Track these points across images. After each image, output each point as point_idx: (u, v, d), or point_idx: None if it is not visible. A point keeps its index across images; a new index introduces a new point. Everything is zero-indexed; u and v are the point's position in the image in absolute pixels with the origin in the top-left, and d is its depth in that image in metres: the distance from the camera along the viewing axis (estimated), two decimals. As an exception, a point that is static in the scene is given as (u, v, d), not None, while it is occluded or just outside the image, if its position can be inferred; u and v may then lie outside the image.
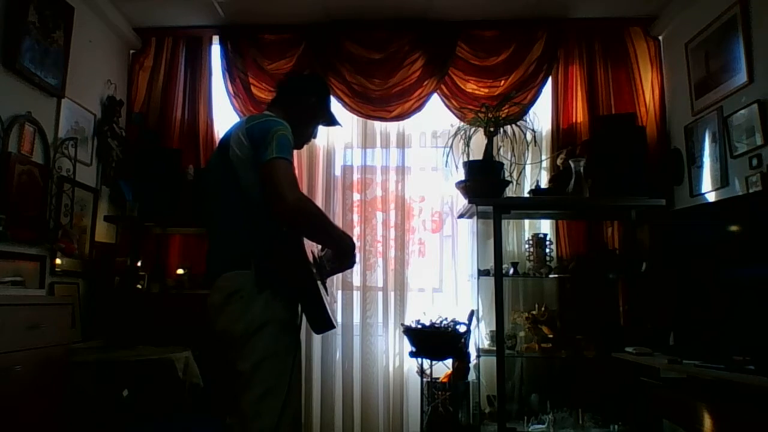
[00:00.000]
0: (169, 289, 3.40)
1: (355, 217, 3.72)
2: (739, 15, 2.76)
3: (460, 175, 3.25)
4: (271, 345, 1.61)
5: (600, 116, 3.56)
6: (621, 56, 3.66)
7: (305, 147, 2.58)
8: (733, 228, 2.32)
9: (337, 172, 3.76)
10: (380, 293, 3.60)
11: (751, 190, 2.63)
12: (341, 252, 1.76)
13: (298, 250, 1.67)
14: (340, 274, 3.21)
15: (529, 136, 3.31)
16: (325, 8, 3.55)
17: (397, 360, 3.51)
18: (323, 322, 1.70)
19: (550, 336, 3.17)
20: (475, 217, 3.25)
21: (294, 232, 1.67)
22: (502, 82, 3.67)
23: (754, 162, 2.64)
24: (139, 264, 3.34)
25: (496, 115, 3.22)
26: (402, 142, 3.76)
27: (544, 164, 3.60)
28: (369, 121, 3.75)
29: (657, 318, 3.15)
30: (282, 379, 1.61)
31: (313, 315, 1.68)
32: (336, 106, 3.39)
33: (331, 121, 2.06)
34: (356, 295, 3.61)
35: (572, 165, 3.17)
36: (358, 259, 1.80)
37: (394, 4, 3.53)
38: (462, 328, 3.05)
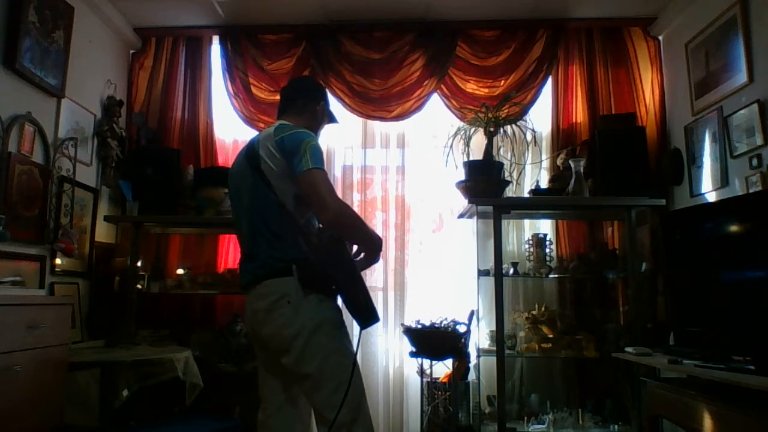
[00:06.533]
0: (169, 289, 3.40)
1: (356, 217, 3.72)
2: (739, 15, 2.75)
3: (460, 175, 3.25)
4: (330, 343, 1.76)
5: (600, 116, 3.55)
6: (621, 56, 3.66)
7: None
8: (733, 228, 2.32)
9: (338, 172, 3.75)
10: (380, 293, 3.59)
11: (751, 190, 2.63)
12: (371, 250, 1.87)
13: (342, 249, 1.79)
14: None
15: (529, 136, 3.31)
16: (324, 8, 3.55)
17: (397, 360, 3.51)
18: (371, 313, 1.80)
19: (550, 336, 3.17)
20: (475, 217, 3.25)
21: (336, 235, 1.78)
22: (502, 82, 3.67)
23: (754, 162, 2.64)
24: (139, 264, 3.33)
25: (496, 115, 3.22)
26: (402, 142, 3.76)
27: (544, 164, 3.60)
28: (369, 122, 3.74)
29: (657, 318, 3.15)
30: (348, 371, 1.73)
31: (361, 307, 1.78)
32: (336, 106, 3.41)
33: (331, 119, 2.18)
34: (356, 295, 3.61)
35: (572, 165, 3.17)
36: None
37: (394, 4, 3.53)
38: (462, 328, 3.05)
